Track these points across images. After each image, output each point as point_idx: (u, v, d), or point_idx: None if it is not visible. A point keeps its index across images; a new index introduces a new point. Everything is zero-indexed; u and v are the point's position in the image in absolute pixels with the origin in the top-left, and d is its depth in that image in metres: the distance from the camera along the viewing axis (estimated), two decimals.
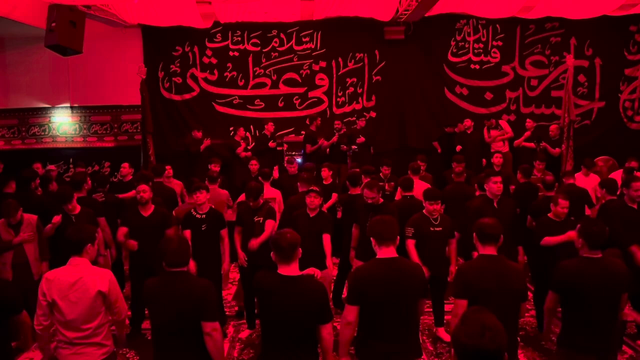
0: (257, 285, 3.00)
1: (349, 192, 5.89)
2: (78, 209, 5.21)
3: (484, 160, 9.02)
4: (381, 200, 5.13)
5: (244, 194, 5.33)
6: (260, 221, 5.02)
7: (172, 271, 3.00)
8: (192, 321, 2.93)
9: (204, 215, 5.04)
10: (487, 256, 3.14)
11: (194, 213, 5.07)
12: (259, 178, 6.39)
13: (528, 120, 9.39)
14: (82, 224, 3.75)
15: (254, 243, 4.84)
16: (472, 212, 4.94)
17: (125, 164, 7.28)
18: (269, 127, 9.23)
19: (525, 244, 5.20)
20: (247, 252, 5.00)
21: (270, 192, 6.22)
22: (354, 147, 9.01)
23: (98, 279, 3.14)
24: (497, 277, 3.06)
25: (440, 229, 4.87)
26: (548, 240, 4.74)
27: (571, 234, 4.49)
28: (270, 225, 4.96)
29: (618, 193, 5.26)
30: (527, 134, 9.12)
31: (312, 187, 5.00)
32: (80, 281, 3.10)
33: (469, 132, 9.34)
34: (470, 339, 1.79)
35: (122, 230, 5.04)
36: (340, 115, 10.28)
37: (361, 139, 8.99)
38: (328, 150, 9.20)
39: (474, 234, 3.20)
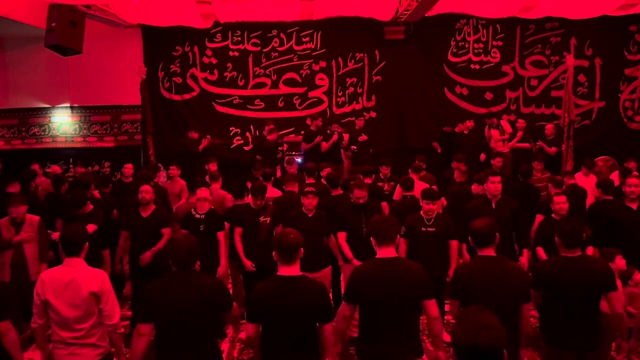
0: (258, 296, 2.95)
1: (331, 194, 5.65)
2: (90, 208, 5.18)
3: (482, 155, 8.96)
4: (366, 198, 4.99)
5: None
6: (267, 222, 5.02)
7: (182, 272, 2.98)
8: (206, 319, 2.94)
9: (203, 216, 5.03)
10: (485, 257, 3.12)
11: (193, 213, 5.07)
12: (260, 179, 6.38)
13: (520, 120, 9.39)
14: (82, 223, 3.76)
15: None
16: (469, 212, 4.92)
17: (129, 165, 7.26)
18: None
19: (525, 245, 5.18)
20: (250, 256, 5.01)
21: (272, 193, 6.21)
22: (353, 147, 9.01)
23: (91, 280, 3.12)
24: (494, 277, 3.04)
25: (433, 229, 4.74)
26: (538, 251, 4.79)
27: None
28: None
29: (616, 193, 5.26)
30: (520, 134, 9.10)
31: (307, 188, 4.97)
32: (74, 281, 3.09)
33: (465, 132, 9.33)
34: (466, 337, 1.78)
35: (124, 235, 5.04)
36: (340, 115, 10.28)
37: (363, 137, 8.97)
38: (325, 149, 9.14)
39: (469, 237, 3.18)
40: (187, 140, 9.14)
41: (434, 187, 6.33)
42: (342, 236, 4.89)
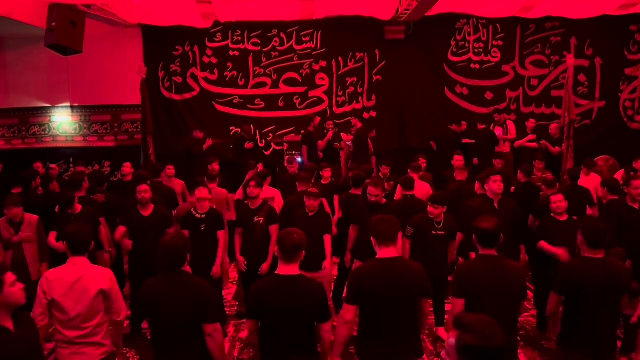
0: (256, 295, 2.96)
1: (350, 192, 5.82)
2: (79, 208, 5.21)
3: (475, 159, 8.95)
4: (384, 200, 5.11)
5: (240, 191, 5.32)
6: (261, 222, 5.01)
7: (171, 271, 2.99)
8: (193, 322, 2.93)
9: (203, 215, 5.02)
10: (487, 256, 3.12)
11: (193, 213, 5.07)
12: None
13: (531, 120, 9.39)
14: (82, 223, 3.77)
15: (265, 268, 4.92)
16: (472, 212, 4.91)
17: (128, 164, 7.28)
18: (247, 128, 9.33)
19: (527, 244, 5.18)
20: (247, 255, 5.01)
21: (269, 192, 6.21)
22: (349, 143, 9.03)
23: (99, 278, 3.16)
24: (495, 277, 3.04)
25: (443, 232, 4.78)
26: (542, 245, 4.73)
27: (560, 252, 4.52)
28: (276, 231, 4.95)
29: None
30: (532, 137, 9.09)
31: (311, 190, 4.98)
32: (81, 280, 3.11)
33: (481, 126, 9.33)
34: (475, 339, 1.82)
35: (120, 230, 5.04)
36: (341, 115, 10.28)
37: (348, 137, 8.98)
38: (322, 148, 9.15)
39: (474, 235, 3.15)
40: (191, 140, 9.15)
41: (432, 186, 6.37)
42: (352, 229, 5.10)
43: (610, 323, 3.19)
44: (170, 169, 7.17)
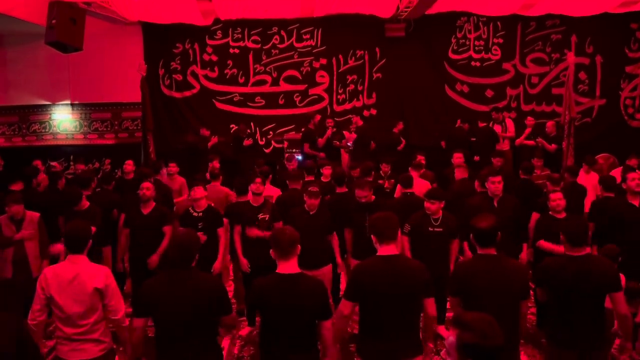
0: (257, 293, 2.96)
1: (337, 192, 5.73)
2: (86, 205, 5.21)
3: (476, 157, 8.90)
4: (373, 197, 5.06)
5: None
6: (267, 218, 5.02)
7: (178, 268, 2.97)
8: (204, 318, 2.93)
9: (201, 214, 5.02)
10: (485, 255, 3.10)
11: (191, 211, 5.06)
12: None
13: (529, 117, 9.40)
14: (87, 220, 3.78)
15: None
16: (471, 210, 4.89)
17: (130, 162, 7.28)
18: (242, 127, 9.49)
19: (527, 242, 5.17)
20: (250, 254, 5.00)
21: (270, 191, 6.21)
22: (349, 143, 9.02)
23: (95, 276, 3.14)
24: (495, 276, 3.02)
25: (441, 229, 4.74)
26: (542, 244, 4.72)
27: (561, 249, 4.49)
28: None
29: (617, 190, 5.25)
30: (528, 130, 9.12)
31: (311, 188, 4.96)
32: (78, 277, 3.11)
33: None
34: (474, 338, 1.83)
35: (125, 233, 5.04)
36: (341, 113, 10.28)
37: (352, 136, 8.97)
38: (321, 145, 9.16)
39: (471, 234, 3.13)
40: (197, 138, 9.16)
41: (435, 184, 6.35)
42: (347, 232, 5.09)
43: (593, 320, 3.16)
44: (172, 167, 7.17)
